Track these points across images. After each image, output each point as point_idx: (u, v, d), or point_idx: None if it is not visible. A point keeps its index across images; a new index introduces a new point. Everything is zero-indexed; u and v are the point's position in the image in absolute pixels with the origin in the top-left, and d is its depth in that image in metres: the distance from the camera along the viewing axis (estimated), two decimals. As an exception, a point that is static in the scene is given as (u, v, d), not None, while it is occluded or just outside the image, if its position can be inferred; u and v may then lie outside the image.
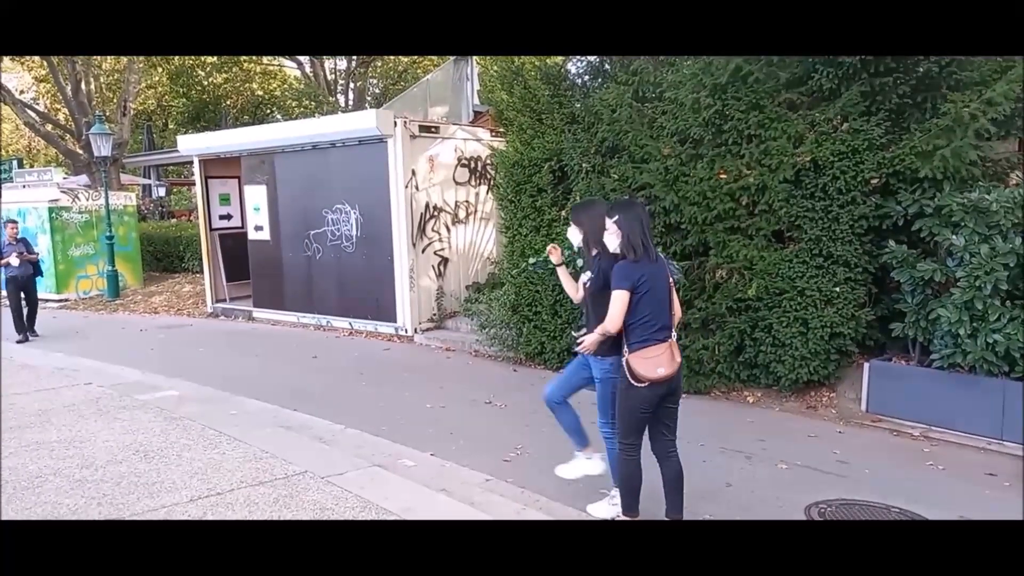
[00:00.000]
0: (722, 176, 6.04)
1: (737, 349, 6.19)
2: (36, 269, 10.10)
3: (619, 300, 3.49)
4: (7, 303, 10.01)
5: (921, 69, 5.75)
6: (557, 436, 5.47)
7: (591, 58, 7.29)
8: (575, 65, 7.47)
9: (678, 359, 3.60)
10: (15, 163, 19.99)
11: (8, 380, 6.05)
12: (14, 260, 9.57)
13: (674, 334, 3.66)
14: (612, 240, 3.62)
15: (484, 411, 6.17)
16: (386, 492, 3.94)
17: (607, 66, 7.13)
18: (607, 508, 4.01)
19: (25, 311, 9.86)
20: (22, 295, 9.85)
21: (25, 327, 9.82)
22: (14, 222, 10.29)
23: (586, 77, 7.39)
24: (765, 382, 6.19)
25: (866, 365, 5.75)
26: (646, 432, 3.72)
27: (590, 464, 4.16)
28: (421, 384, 7.07)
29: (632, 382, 3.53)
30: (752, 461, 4.82)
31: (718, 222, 6.06)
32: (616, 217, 3.60)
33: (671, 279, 3.73)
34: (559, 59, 7.41)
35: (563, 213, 7.19)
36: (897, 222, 5.58)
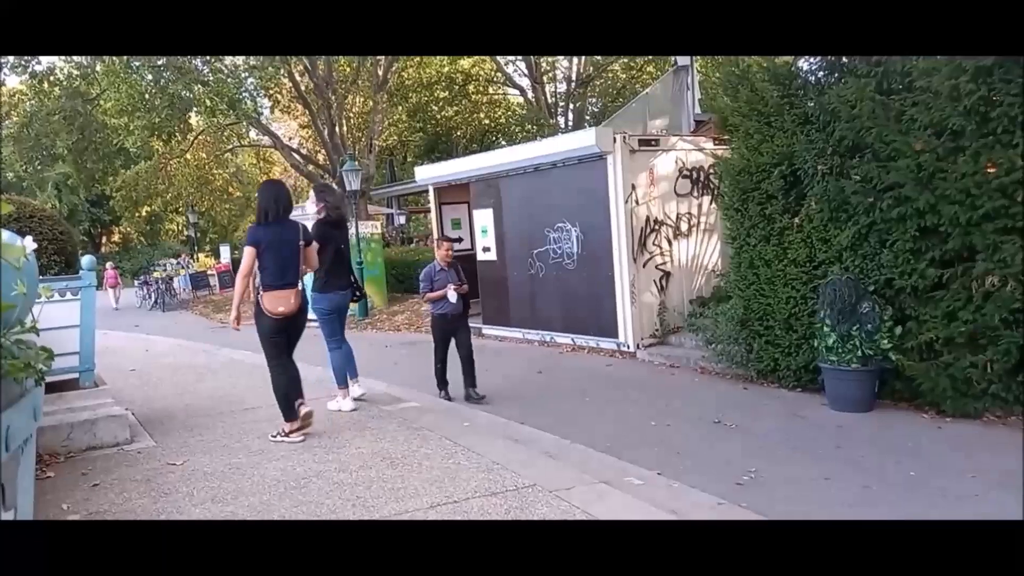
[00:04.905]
0: (990, 170, 5.27)
1: (1016, 367, 5.33)
2: (466, 304, 7.30)
3: (246, 254, 5.16)
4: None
5: None
6: (795, 460, 5.08)
7: (825, 52, 6.75)
8: (807, 62, 6.95)
9: (296, 303, 5.18)
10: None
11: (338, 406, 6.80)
12: (451, 294, 6.89)
13: (300, 284, 5.26)
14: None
15: (713, 431, 5.89)
16: (613, 510, 3.89)
17: (844, 59, 6.55)
18: (337, 403, 6.15)
19: (460, 355, 7.10)
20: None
21: (446, 380, 7.16)
22: (450, 240, 7.69)
23: (820, 73, 6.85)
24: (1055, 407, 5.27)
25: None
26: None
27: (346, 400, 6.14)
28: (645, 401, 6.94)
29: (262, 315, 5.14)
30: (1042, 501, 4.09)
31: (987, 222, 5.28)
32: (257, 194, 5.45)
33: (300, 243, 5.25)
34: (788, 58, 6.96)
35: (796, 220, 6.71)
36: None
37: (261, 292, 5.14)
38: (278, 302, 5.11)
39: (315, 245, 5.61)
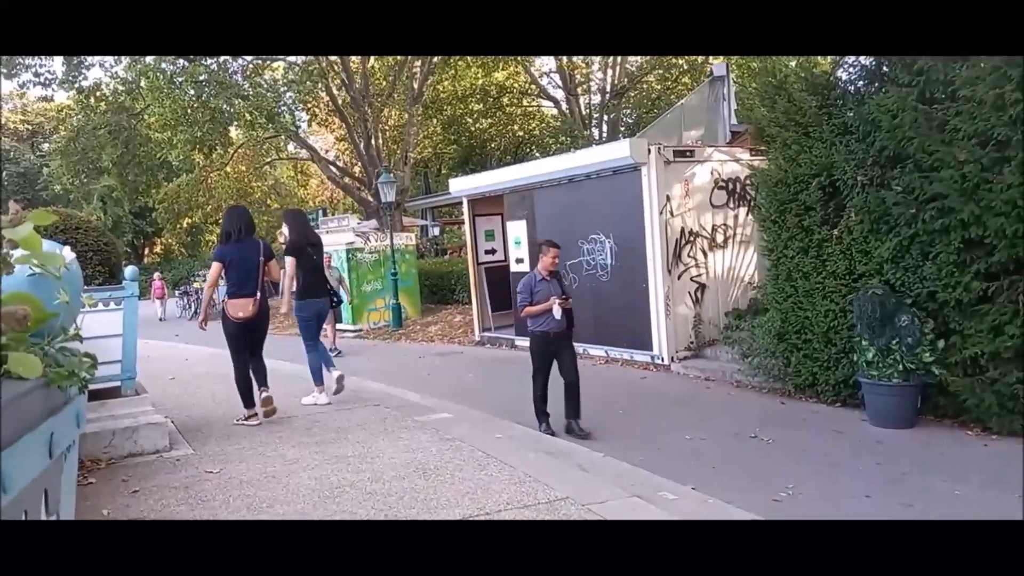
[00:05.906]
0: (1037, 180, 5.13)
1: (1067, 385, 5.16)
2: (570, 320, 6.38)
3: (213, 267, 6.17)
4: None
5: None
6: (834, 476, 4.96)
7: (865, 62, 6.64)
8: (846, 71, 6.85)
9: (254, 309, 6.01)
10: (320, 212, 23.30)
11: (313, 400, 6.94)
12: (556, 309, 6.16)
13: (259, 293, 6.04)
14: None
15: (749, 446, 5.79)
16: (648, 525, 3.84)
17: (885, 68, 6.44)
18: (313, 398, 6.91)
19: (564, 380, 6.34)
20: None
21: (547, 412, 6.32)
22: (555, 246, 6.45)
23: (860, 83, 6.74)
24: (1109, 426, 5.07)
25: None
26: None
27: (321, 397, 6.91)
28: (679, 415, 6.85)
29: (227, 318, 6.08)
30: (1096, 523, 3.93)
31: (1034, 234, 5.14)
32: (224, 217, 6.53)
33: (260, 259, 6.06)
34: (827, 67, 6.87)
35: (835, 232, 6.60)
36: None
37: (226, 300, 6.09)
38: (238, 308, 6.03)
39: (286, 259, 6.74)
